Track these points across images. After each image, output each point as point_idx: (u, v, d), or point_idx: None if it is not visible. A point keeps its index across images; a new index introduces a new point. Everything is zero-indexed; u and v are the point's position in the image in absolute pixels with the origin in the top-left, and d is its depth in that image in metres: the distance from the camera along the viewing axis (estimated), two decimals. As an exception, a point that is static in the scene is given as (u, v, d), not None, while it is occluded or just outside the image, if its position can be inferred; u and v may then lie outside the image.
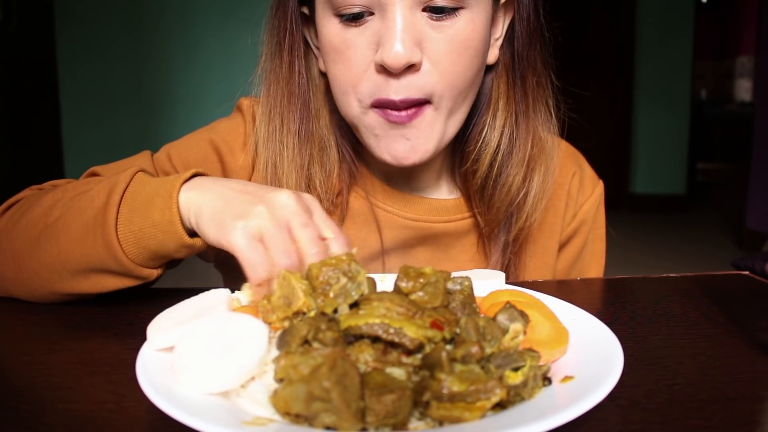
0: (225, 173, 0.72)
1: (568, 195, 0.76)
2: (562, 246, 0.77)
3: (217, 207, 0.51)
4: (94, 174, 0.69)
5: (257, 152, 0.69)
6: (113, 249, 0.54)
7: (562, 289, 0.68)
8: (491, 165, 0.66)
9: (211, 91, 4.03)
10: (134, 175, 0.56)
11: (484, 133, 0.66)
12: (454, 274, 0.47)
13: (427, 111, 0.60)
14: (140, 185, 0.55)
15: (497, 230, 0.70)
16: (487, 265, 0.72)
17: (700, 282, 0.69)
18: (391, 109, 0.59)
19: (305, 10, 0.66)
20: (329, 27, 0.60)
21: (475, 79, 0.62)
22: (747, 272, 0.74)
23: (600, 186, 0.79)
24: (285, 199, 0.50)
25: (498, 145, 0.66)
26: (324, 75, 0.67)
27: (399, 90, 0.58)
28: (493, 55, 0.66)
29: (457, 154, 0.71)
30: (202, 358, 0.38)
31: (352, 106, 0.62)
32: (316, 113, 0.67)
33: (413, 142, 0.60)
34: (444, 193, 0.74)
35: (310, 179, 0.67)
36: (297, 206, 0.50)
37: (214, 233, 0.50)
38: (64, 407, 0.40)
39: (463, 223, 0.71)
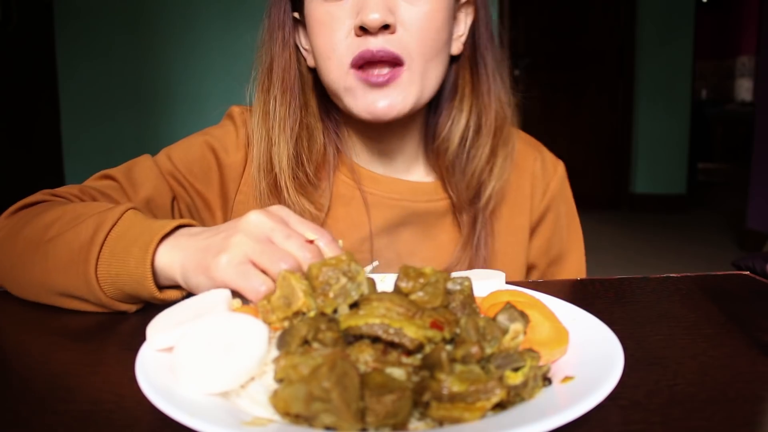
0: (221, 170, 0.76)
1: (533, 176, 0.83)
2: (538, 223, 0.83)
3: (197, 258, 0.52)
4: (108, 177, 0.73)
5: (250, 143, 0.75)
6: (92, 287, 0.56)
7: (562, 289, 0.68)
8: (461, 142, 0.75)
9: (211, 91, 4.03)
10: (123, 213, 0.58)
11: (453, 115, 0.75)
12: (454, 275, 0.47)
13: (404, 74, 0.67)
14: (125, 228, 0.57)
15: (468, 204, 0.76)
16: (461, 240, 0.77)
17: (701, 282, 0.69)
18: (370, 63, 0.66)
19: (296, 15, 0.74)
20: (315, 6, 0.68)
21: (441, 49, 0.70)
22: (747, 272, 0.74)
23: (561, 165, 0.86)
24: (256, 218, 0.50)
25: (467, 124, 0.75)
26: (312, 71, 0.75)
27: (377, 44, 0.65)
28: (456, 48, 0.74)
29: (429, 139, 0.78)
30: (201, 359, 0.38)
31: (333, 69, 0.68)
32: (304, 103, 0.74)
33: (391, 101, 0.67)
34: (421, 177, 0.80)
35: (298, 154, 0.73)
36: (272, 221, 0.50)
37: (204, 281, 0.51)
38: (64, 407, 0.40)
39: (441, 203, 0.77)
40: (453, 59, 0.75)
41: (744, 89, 8.26)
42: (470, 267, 0.76)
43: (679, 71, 4.62)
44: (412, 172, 0.79)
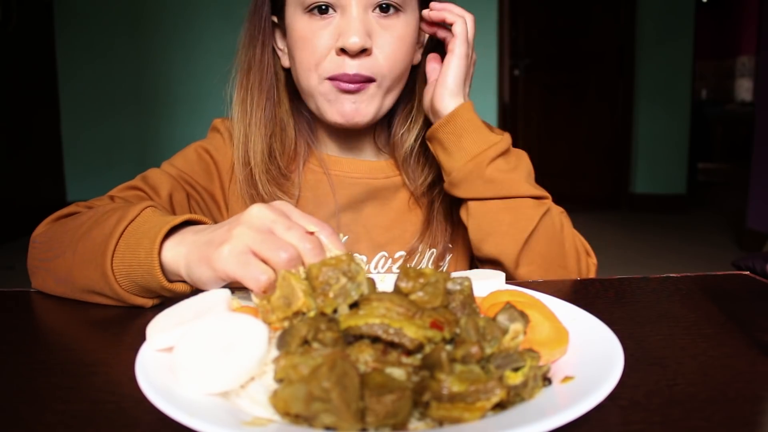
0: (217, 166, 0.83)
1: None
2: None
3: (200, 250, 0.53)
4: (130, 188, 0.77)
5: (232, 137, 0.82)
6: (108, 279, 0.58)
7: (562, 289, 0.68)
8: (417, 140, 0.83)
9: (211, 91, 4.01)
10: (142, 210, 0.61)
11: (412, 114, 0.84)
12: (453, 275, 0.47)
13: (371, 86, 0.75)
14: (140, 223, 0.60)
15: (426, 190, 0.84)
16: (421, 213, 0.84)
17: (701, 282, 0.69)
18: (344, 81, 0.74)
19: (274, 18, 0.81)
20: (299, 22, 0.75)
21: (407, 68, 0.79)
22: (747, 272, 0.74)
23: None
24: (258, 211, 0.51)
25: (423, 125, 0.83)
26: (285, 71, 0.82)
27: (353, 67, 0.73)
28: (417, 58, 0.83)
29: (386, 132, 0.87)
30: (201, 359, 0.38)
31: (312, 80, 0.76)
32: (278, 101, 0.82)
33: (358, 106, 0.76)
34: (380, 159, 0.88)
35: (271, 150, 0.80)
36: (273, 214, 0.51)
37: (206, 271, 0.51)
38: (64, 407, 0.40)
39: (396, 179, 0.85)
40: (415, 67, 0.83)
41: (744, 89, 8.27)
42: (433, 240, 0.83)
43: (679, 71, 4.62)
44: (376, 158, 0.87)
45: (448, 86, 0.75)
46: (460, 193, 0.75)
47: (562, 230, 0.76)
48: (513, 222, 0.73)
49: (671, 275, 0.72)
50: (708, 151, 7.53)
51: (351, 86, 0.74)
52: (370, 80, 0.75)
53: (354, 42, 0.71)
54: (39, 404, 0.41)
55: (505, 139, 0.76)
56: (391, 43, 0.75)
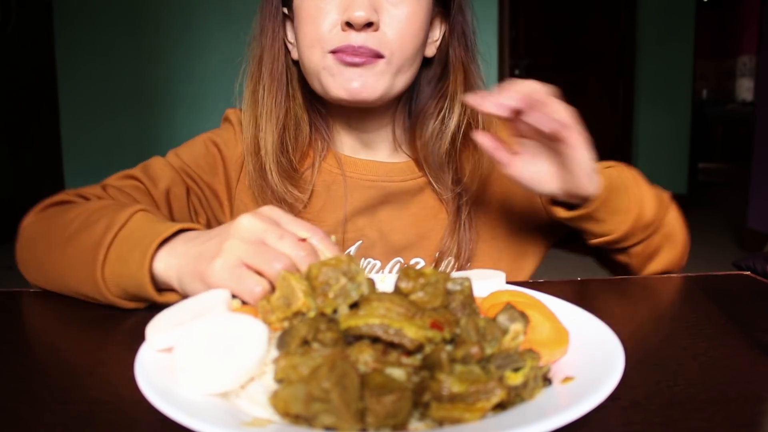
0: (224, 161, 0.81)
1: None
2: None
3: (192, 264, 0.53)
4: (128, 177, 0.77)
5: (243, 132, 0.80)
6: (98, 286, 0.58)
7: (562, 289, 0.68)
8: (452, 143, 0.80)
9: (211, 91, 4.03)
10: (132, 216, 0.60)
11: (444, 118, 0.79)
12: (454, 275, 0.47)
13: (380, 63, 0.72)
14: (131, 230, 0.59)
15: (456, 198, 0.81)
16: (444, 220, 0.81)
17: (702, 282, 0.69)
18: (348, 53, 0.71)
19: (284, 10, 0.79)
20: (306, 1, 0.73)
21: (418, 50, 0.76)
22: (748, 272, 0.74)
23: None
24: (247, 221, 0.51)
25: (458, 125, 0.79)
26: (296, 64, 0.79)
27: (359, 40, 0.71)
28: (430, 51, 0.80)
29: (407, 129, 0.84)
30: (201, 359, 0.38)
31: (315, 55, 0.73)
32: (292, 94, 0.79)
33: (365, 81, 0.72)
34: (398, 160, 0.84)
35: (283, 143, 0.78)
36: (263, 223, 0.51)
37: (200, 287, 0.51)
38: (64, 407, 0.40)
39: (415, 182, 0.82)
40: (430, 61, 0.80)
41: (745, 89, 8.27)
42: (455, 250, 0.80)
43: (679, 71, 4.62)
44: (393, 159, 0.84)
45: (585, 170, 0.68)
46: (619, 246, 0.73)
47: (679, 219, 0.78)
48: (670, 247, 0.75)
49: (671, 275, 0.72)
50: (708, 151, 7.53)
51: (356, 59, 0.71)
52: (378, 56, 0.72)
53: (359, 15, 0.69)
54: (38, 405, 0.41)
55: (645, 186, 0.74)
56: (399, 20, 0.72)
